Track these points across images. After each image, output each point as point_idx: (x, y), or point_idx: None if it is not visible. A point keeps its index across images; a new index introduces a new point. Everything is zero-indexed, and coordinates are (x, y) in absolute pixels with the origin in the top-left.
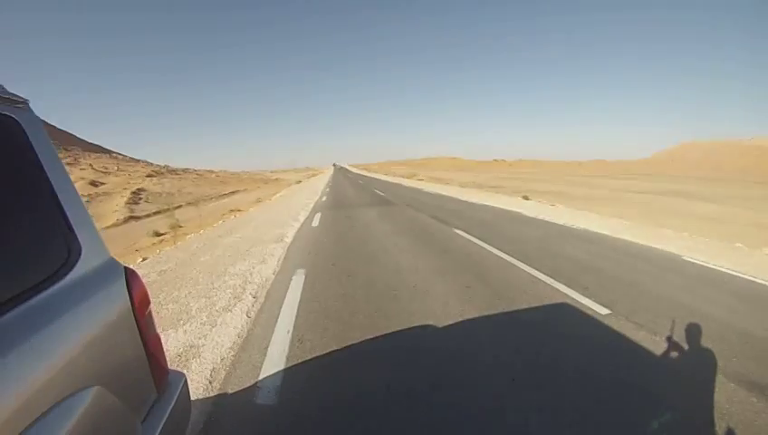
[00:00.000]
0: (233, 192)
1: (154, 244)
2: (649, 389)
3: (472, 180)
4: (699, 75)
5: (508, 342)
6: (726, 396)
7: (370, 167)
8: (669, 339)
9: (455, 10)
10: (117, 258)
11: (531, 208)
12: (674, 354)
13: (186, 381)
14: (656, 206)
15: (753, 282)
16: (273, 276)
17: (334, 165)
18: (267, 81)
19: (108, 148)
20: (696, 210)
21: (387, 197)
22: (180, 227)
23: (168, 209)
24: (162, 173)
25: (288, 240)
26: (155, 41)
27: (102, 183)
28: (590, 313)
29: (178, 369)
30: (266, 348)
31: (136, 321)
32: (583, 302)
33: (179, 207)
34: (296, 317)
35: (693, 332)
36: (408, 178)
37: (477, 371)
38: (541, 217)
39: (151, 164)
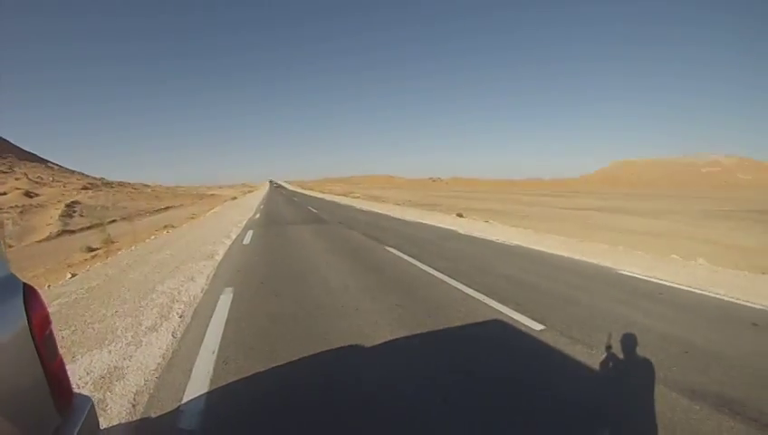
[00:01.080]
0: (167, 207)
1: (86, 259)
2: (590, 403)
3: (408, 198)
4: (632, 96)
5: (439, 361)
6: (669, 405)
7: (306, 184)
8: (607, 351)
9: (390, 29)
10: (49, 274)
11: (465, 226)
12: (612, 366)
13: (92, 405)
14: (591, 222)
15: (690, 292)
16: (201, 295)
17: (270, 182)
18: (202, 96)
19: (43, 157)
20: (630, 225)
21: (320, 215)
22: (113, 242)
23: (102, 224)
24: (98, 186)
25: (218, 258)
26: (91, 48)
27: (37, 194)
28: (523, 328)
29: (93, 393)
30: (190, 370)
31: (34, 341)
32: (516, 318)
33: (113, 221)
34: (222, 338)
35: (630, 343)
36: (344, 195)
37: (406, 392)
38: (475, 233)
39: (87, 176)
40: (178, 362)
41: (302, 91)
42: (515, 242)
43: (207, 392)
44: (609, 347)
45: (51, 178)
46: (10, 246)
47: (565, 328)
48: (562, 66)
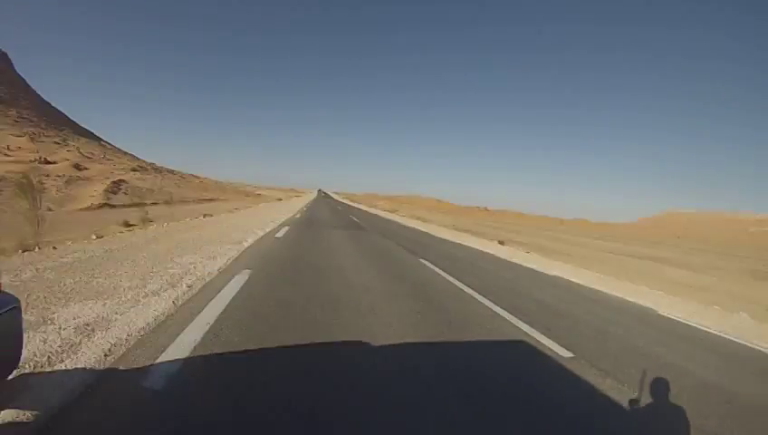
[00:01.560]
0: (212, 199)
1: (121, 232)
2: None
3: (452, 222)
4: (689, 148)
5: (452, 373)
6: None
7: (353, 197)
8: (639, 390)
9: (452, 59)
10: (75, 240)
11: (504, 252)
12: (644, 407)
13: (16, 307)
14: (633, 267)
15: (731, 341)
16: (217, 272)
17: (319, 190)
18: (262, 98)
19: (98, 135)
20: (674, 276)
21: (361, 224)
22: (150, 221)
23: (143, 203)
24: (147, 169)
25: (246, 244)
26: (163, 35)
27: (86, 168)
28: (549, 353)
29: (72, 337)
30: (177, 335)
31: None
32: (544, 342)
33: (155, 203)
34: (222, 312)
35: (664, 385)
36: (389, 212)
37: (407, 402)
38: (514, 260)
39: (138, 159)
40: (168, 326)
41: (362, 106)
42: (554, 273)
43: (185, 358)
44: (641, 386)
45: (102, 156)
46: (50, 209)
47: (595, 359)
48: (622, 110)
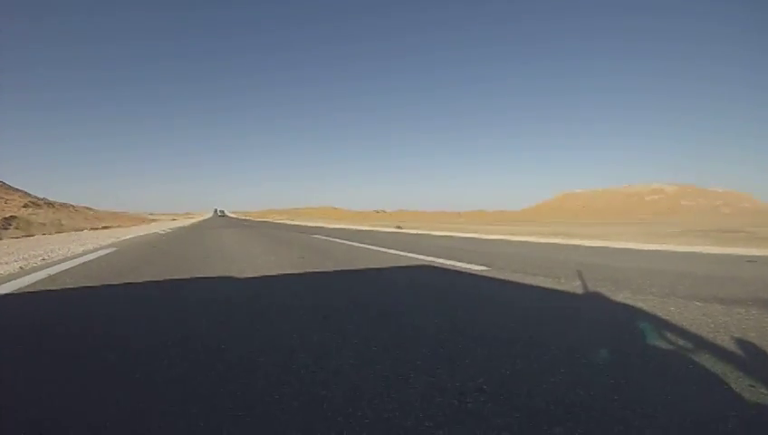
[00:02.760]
0: (106, 227)
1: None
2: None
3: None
4: (572, 128)
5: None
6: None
7: (249, 214)
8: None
9: (336, 64)
10: None
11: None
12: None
13: None
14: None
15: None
16: (81, 250)
17: (215, 210)
18: (152, 124)
19: None
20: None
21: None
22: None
23: (33, 234)
24: (39, 205)
25: (124, 238)
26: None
27: None
28: (464, 270)
29: None
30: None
31: None
32: (454, 265)
33: (46, 234)
34: (66, 270)
35: (573, 271)
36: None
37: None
38: (389, 229)
39: (30, 195)
40: (14, 278)
41: (248, 124)
42: (442, 234)
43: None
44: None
45: None
46: None
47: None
48: (502, 100)
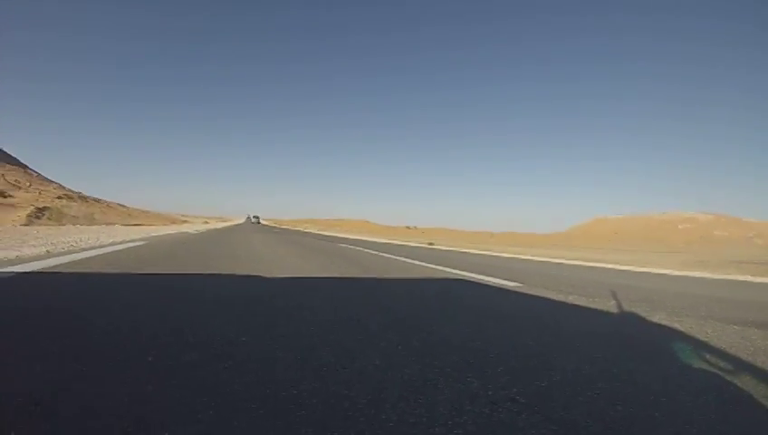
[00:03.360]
0: (138, 224)
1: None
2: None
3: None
4: (609, 153)
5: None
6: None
7: (283, 222)
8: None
9: (373, 81)
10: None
11: (414, 243)
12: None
13: None
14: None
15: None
16: (109, 242)
17: (249, 216)
18: (192, 125)
19: (24, 163)
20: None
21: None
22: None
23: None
24: (73, 198)
25: (155, 234)
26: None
27: (11, 195)
28: (497, 285)
29: None
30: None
31: None
32: (488, 280)
33: (78, 224)
34: (96, 258)
35: (603, 289)
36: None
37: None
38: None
39: (64, 188)
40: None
41: (287, 133)
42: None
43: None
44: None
45: (28, 184)
46: None
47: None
48: (538, 122)
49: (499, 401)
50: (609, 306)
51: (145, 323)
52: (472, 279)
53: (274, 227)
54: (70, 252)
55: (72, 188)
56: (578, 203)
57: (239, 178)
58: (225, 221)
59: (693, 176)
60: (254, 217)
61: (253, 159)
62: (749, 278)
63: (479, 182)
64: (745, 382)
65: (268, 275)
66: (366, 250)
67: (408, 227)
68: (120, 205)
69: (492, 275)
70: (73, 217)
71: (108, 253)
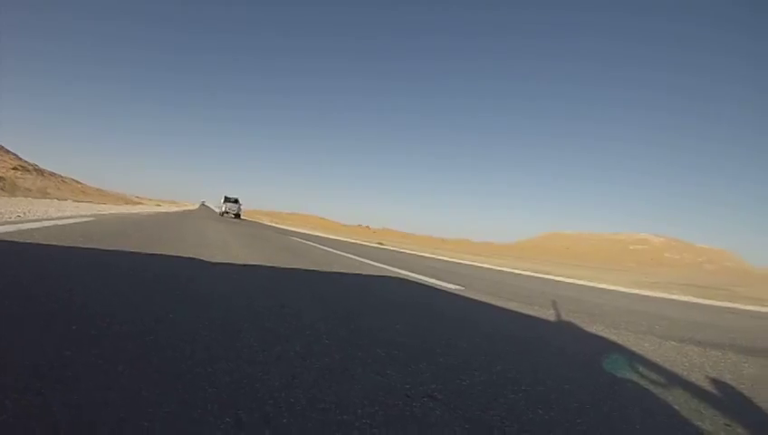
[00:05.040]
0: (90, 202)
1: None
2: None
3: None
4: (561, 169)
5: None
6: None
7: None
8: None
9: (344, 80)
10: None
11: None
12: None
13: None
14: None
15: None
16: (57, 215)
17: (203, 203)
18: (151, 109)
19: None
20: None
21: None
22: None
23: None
24: (28, 170)
25: (106, 213)
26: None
27: None
28: (439, 287)
29: None
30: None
31: None
32: (430, 281)
33: (29, 197)
34: (42, 230)
35: (535, 295)
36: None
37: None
38: (381, 246)
39: (21, 159)
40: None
41: (243, 122)
42: (427, 255)
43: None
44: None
45: None
46: None
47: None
48: (493, 136)
49: (416, 395)
50: (548, 315)
51: (79, 294)
52: (414, 279)
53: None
54: (18, 222)
55: (29, 160)
56: (531, 217)
57: (195, 165)
58: (178, 206)
59: (647, 199)
60: (225, 204)
61: (210, 147)
62: (693, 300)
63: (437, 190)
64: (676, 396)
65: (211, 260)
66: (316, 245)
67: (361, 226)
68: (76, 181)
69: (434, 277)
70: (27, 189)
71: (55, 225)
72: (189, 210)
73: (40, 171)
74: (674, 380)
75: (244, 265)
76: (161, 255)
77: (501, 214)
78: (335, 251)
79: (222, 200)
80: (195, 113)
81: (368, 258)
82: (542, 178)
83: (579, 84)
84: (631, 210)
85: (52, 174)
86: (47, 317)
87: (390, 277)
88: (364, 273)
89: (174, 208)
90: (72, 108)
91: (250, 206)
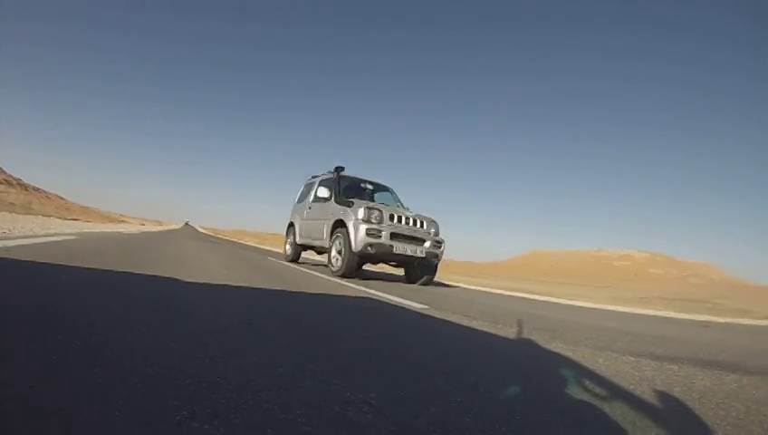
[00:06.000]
0: (75, 219)
1: None
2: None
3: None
4: (544, 188)
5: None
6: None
7: (221, 232)
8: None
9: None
10: None
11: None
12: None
13: None
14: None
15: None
16: (42, 232)
17: (186, 222)
18: (141, 127)
19: None
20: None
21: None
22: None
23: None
24: (12, 184)
25: (96, 230)
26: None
27: None
28: (404, 305)
29: None
30: None
31: None
32: (395, 300)
33: (14, 212)
34: (26, 248)
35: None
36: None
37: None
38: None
39: (5, 172)
40: None
41: (232, 144)
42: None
43: None
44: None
45: None
46: None
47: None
48: (484, 157)
49: (354, 401)
50: (510, 332)
51: (57, 306)
52: (382, 298)
53: (210, 236)
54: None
55: (13, 175)
56: (514, 236)
57: (181, 185)
58: (162, 226)
59: (629, 215)
60: (190, 225)
61: (198, 168)
62: (672, 314)
63: (423, 209)
64: (615, 408)
65: (187, 280)
66: (293, 266)
67: None
68: (60, 197)
69: (403, 297)
70: (11, 204)
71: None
72: (172, 229)
73: (24, 186)
74: (618, 393)
75: (220, 285)
76: (138, 274)
77: (485, 233)
78: (312, 272)
79: (187, 223)
80: (183, 131)
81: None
82: (527, 198)
83: (549, 102)
84: (614, 227)
85: (36, 189)
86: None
87: (359, 297)
88: (336, 293)
89: (157, 228)
90: (59, 122)
91: (235, 226)
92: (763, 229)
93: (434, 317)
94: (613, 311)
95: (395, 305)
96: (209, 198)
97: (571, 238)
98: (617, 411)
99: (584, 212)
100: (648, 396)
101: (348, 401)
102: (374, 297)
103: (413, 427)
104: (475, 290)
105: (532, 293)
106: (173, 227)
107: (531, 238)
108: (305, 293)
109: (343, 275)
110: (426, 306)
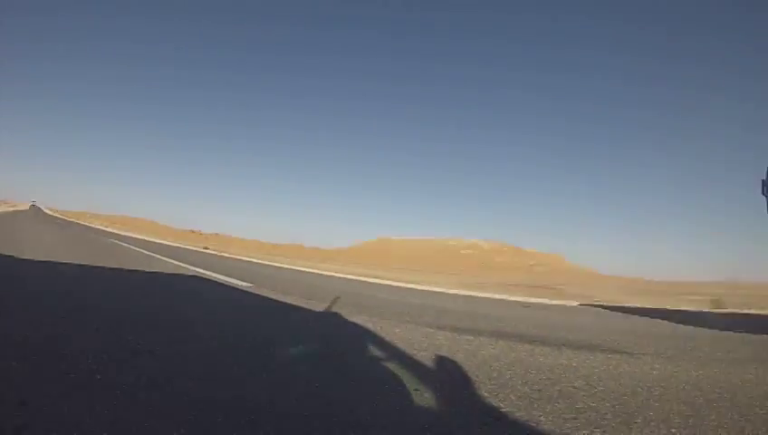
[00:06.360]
0: None
1: None
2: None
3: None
4: (395, 178)
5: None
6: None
7: (68, 213)
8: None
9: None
10: None
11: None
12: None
13: None
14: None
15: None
16: None
17: (33, 203)
18: None
19: None
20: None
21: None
22: None
23: None
24: None
25: None
26: None
27: None
28: (231, 284)
29: None
30: None
31: None
32: (221, 278)
33: None
34: None
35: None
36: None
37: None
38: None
39: None
40: None
41: (77, 116)
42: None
43: None
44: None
45: None
46: None
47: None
48: (332, 146)
49: (141, 351)
50: (320, 307)
51: None
52: (211, 277)
53: (57, 217)
54: None
55: None
56: (363, 222)
57: (25, 163)
58: (7, 205)
59: (473, 207)
60: (37, 206)
61: (40, 144)
62: (505, 297)
63: (274, 197)
64: (394, 368)
65: (21, 257)
66: (133, 247)
67: (192, 231)
68: None
69: (233, 277)
70: None
71: None
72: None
73: None
74: (401, 357)
75: (57, 263)
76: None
77: (336, 220)
78: (151, 254)
79: (33, 203)
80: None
81: (179, 260)
82: (374, 184)
83: (404, 105)
84: (459, 218)
85: None
86: None
87: (188, 276)
88: (166, 272)
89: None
90: None
91: (82, 207)
92: (607, 223)
93: (253, 293)
94: (444, 293)
95: (220, 283)
96: (54, 178)
97: (419, 228)
98: (393, 371)
99: (430, 204)
100: (427, 360)
101: (132, 349)
102: (203, 275)
103: (185, 371)
104: (301, 271)
105: (373, 277)
106: (19, 207)
107: (382, 226)
108: (131, 270)
109: None
110: (250, 284)
